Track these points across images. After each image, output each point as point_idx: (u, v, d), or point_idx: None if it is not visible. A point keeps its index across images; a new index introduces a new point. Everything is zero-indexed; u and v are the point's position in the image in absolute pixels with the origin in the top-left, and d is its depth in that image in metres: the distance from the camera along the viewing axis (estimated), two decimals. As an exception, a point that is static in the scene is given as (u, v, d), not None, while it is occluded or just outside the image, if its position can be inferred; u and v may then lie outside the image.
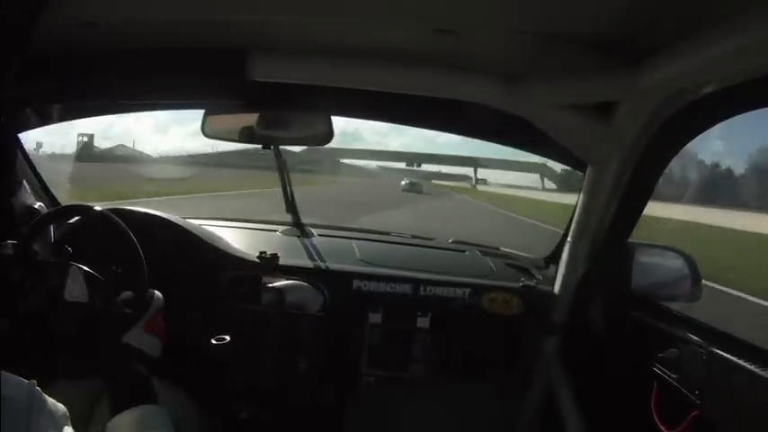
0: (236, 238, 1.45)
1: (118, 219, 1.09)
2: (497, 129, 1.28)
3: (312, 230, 1.61)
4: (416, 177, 37.18)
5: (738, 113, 0.91)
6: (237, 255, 1.35)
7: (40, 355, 0.98)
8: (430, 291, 1.36)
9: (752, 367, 0.80)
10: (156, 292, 0.96)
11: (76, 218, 1.19)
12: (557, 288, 1.34)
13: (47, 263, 0.99)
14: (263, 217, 1.93)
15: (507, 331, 1.38)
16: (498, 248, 1.75)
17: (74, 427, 0.52)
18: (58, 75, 1.04)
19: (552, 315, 1.34)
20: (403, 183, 30.26)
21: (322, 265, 1.40)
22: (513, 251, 1.72)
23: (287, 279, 1.30)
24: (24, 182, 1.30)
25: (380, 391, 1.37)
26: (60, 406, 0.46)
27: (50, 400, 0.45)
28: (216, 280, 1.30)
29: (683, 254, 1.23)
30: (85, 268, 1.00)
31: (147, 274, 1.05)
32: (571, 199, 1.39)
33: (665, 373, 0.99)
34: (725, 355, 0.85)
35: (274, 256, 1.35)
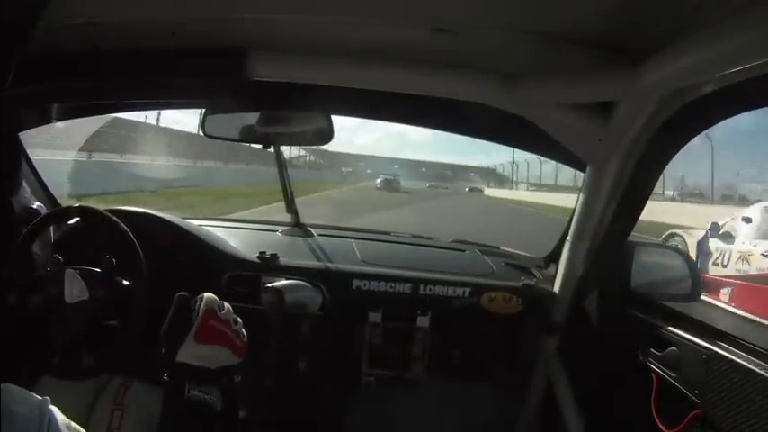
0: (236, 238, 1.46)
1: (117, 219, 1.10)
2: (497, 128, 1.28)
3: (312, 230, 1.61)
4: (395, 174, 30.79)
5: (737, 113, 0.91)
6: (237, 255, 1.35)
7: (42, 358, 0.99)
8: (430, 290, 1.36)
9: (752, 367, 0.80)
10: (206, 295, 0.86)
11: (76, 219, 1.19)
12: (557, 287, 1.34)
13: (41, 276, 1.01)
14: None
15: (507, 330, 1.38)
16: (498, 247, 1.75)
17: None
18: (58, 75, 1.04)
19: (552, 314, 1.34)
20: (378, 181, 26.39)
21: (322, 264, 1.40)
22: (513, 250, 1.73)
23: (287, 279, 1.30)
24: (24, 182, 1.30)
25: (380, 391, 1.37)
26: (73, 424, 0.45)
27: (61, 415, 0.44)
28: (216, 280, 1.30)
29: (683, 253, 1.23)
30: (80, 268, 1.01)
31: (143, 261, 1.06)
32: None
33: (665, 372, 0.99)
34: (725, 354, 0.85)
35: (274, 256, 1.35)
